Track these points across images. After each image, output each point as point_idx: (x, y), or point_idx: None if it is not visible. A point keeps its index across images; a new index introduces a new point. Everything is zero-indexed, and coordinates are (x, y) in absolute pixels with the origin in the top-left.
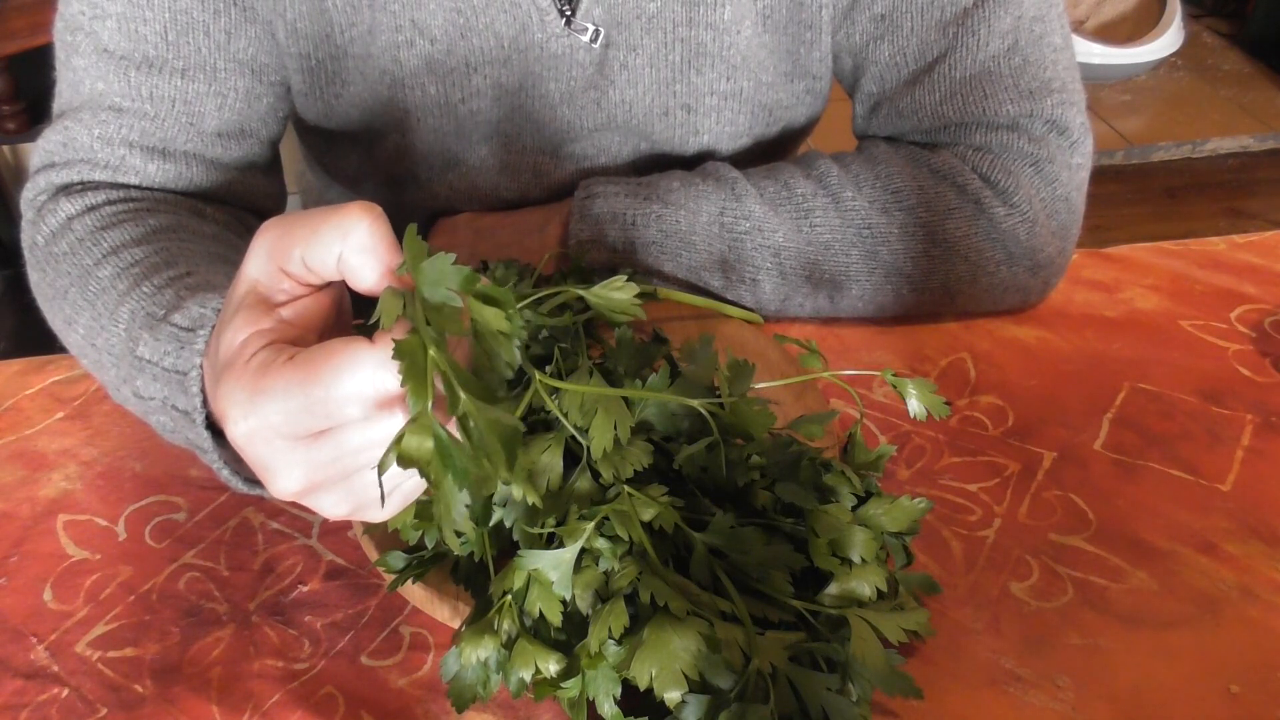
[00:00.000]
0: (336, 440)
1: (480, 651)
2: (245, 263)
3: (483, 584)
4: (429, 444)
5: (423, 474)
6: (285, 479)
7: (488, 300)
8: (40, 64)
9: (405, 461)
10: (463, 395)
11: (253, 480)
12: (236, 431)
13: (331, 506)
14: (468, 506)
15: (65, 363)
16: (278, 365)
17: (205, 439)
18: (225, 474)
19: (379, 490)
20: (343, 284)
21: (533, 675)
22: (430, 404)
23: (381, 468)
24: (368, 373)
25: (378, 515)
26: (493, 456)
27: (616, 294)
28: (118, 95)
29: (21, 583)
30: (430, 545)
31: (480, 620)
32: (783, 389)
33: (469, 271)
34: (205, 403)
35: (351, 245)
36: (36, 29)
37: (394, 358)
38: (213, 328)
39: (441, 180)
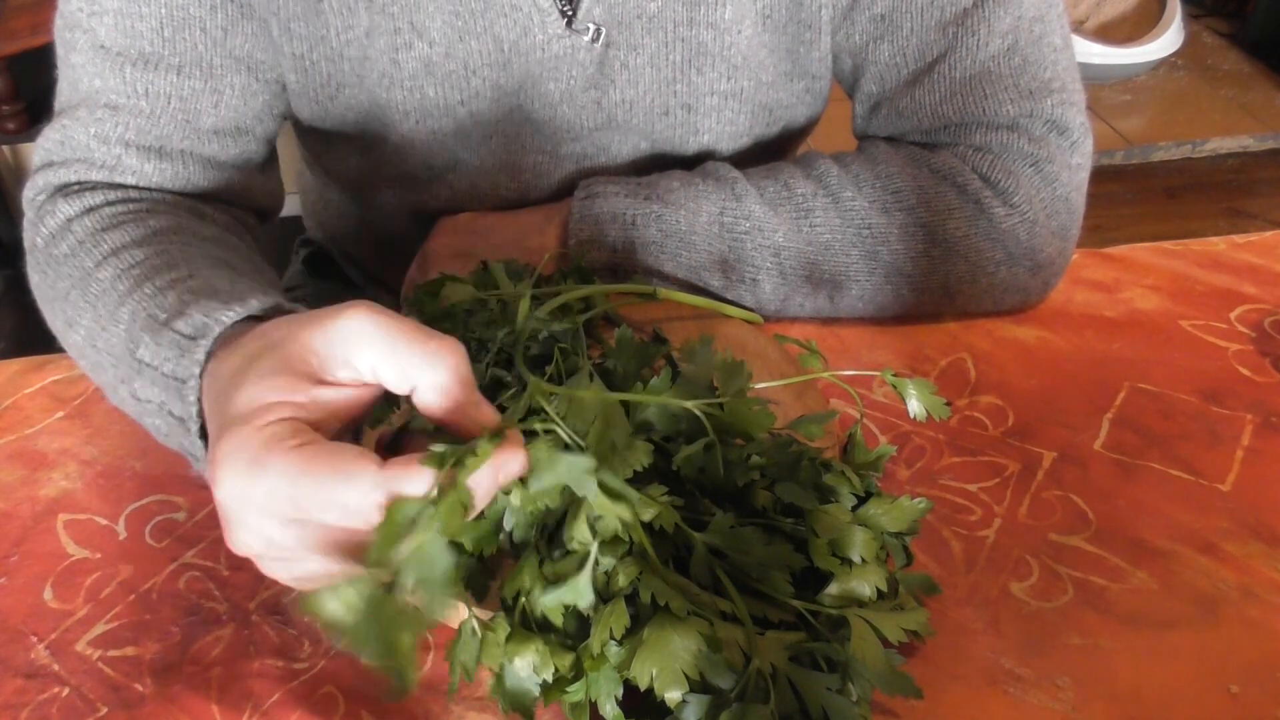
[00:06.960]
0: (303, 532)
1: (529, 658)
2: (313, 331)
3: (482, 584)
4: (353, 606)
5: (338, 630)
6: (243, 542)
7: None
8: (40, 64)
9: (317, 615)
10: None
11: None
12: (220, 490)
13: (271, 572)
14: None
15: (65, 362)
16: (284, 448)
17: (198, 447)
18: None
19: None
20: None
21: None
22: (385, 560)
23: (305, 606)
24: (362, 492)
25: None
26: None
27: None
28: (114, 92)
29: (21, 582)
30: None
31: (516, 628)
32: (783, 389)
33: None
34: (200, 412)
35: (428, 381)
36: (36, 29)
37: (384, 510)
38: (215, 338)
39: (441, 181)
